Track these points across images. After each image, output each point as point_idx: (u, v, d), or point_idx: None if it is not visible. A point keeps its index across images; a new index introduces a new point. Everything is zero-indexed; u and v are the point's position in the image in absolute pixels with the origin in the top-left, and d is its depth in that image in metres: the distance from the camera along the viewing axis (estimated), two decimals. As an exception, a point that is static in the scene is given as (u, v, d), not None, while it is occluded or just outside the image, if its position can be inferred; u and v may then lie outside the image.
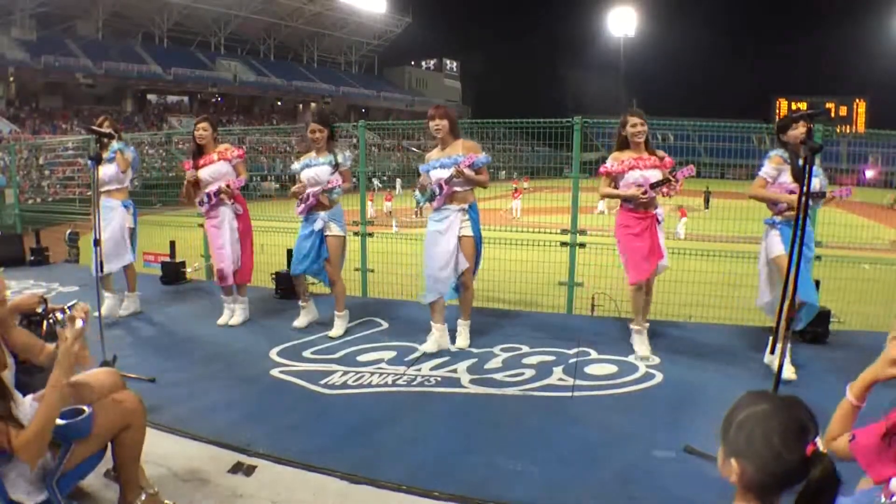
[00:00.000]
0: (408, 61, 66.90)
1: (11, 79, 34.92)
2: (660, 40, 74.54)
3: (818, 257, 5.00)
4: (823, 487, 1.15)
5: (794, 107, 58.84)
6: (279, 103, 51.47)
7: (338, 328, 4.52)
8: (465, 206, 4.12)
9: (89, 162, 3.69)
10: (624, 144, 4.03)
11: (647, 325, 4.17)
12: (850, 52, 67.32)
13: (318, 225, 4.41)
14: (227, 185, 4.61)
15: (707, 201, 16.68)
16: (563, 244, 5.51)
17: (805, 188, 2.32)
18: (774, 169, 3.72)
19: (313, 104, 51.74)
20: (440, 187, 4.05)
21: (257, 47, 51.06)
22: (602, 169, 4.10)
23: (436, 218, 4.15)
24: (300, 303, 4.74)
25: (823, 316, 4.40)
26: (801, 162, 3.63)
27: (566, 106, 65.51)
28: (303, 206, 4.42)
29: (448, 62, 71.22)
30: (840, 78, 65.08)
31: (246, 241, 4.82)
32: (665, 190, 3.92)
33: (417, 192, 4.28)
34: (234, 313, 4.86)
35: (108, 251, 4.53)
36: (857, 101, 62.72)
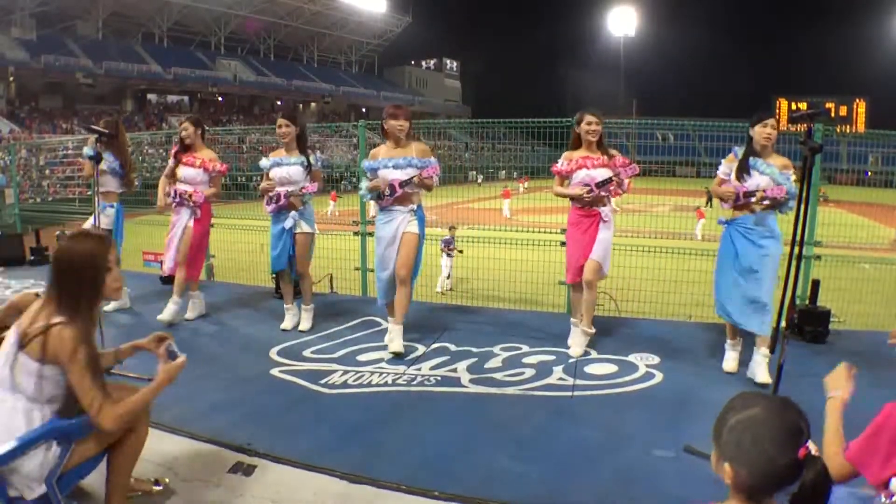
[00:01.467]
0: (408, 61, 66.88)
1: (11, 79, 34.87)
2: (660, 40, 74.67)
3: (818, 257, 5.01)
4: (816, 489, 1.16)
5: (794, 107, 58.67)
6: (279, 103, 51.42)
7: (305, 321, 4.64)
8: (413, 206, 4.12)
9: (87, 156, 3.76)
10: (578, 143, 4.04)
11: (592, 327, 4.14)
12: (850, 52, 67.37)
13: (288, 223, 4.45)
14: (190, 195, 4.74)
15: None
16: (563, 244, 5.50)
17: (805, 188, 2.32)
18: (727, 167, 3.77)
19: (313, 104, 51.82)
20: (393, 189, 4.01)
21: (257, 47, 51.02)
22: (553, 168, 4.12)
23: (383, 221, 4.13)
24: (285, 305, 4.74)
25: (823, 316, 4.41)
26: (750, 160, 3.62)
27: (566, 106, 65.50)
28: (273, 205, 4.47)
29: (448, 62, 71.21)
30: (840, 78, 65.00)
31: (200, 243, 4.97)
32: (612, 188, 3.94)
33: (363, 188, 4.20)
34: (181, 309, 4.86)
35: None
36: (857, 101, 62.60)
